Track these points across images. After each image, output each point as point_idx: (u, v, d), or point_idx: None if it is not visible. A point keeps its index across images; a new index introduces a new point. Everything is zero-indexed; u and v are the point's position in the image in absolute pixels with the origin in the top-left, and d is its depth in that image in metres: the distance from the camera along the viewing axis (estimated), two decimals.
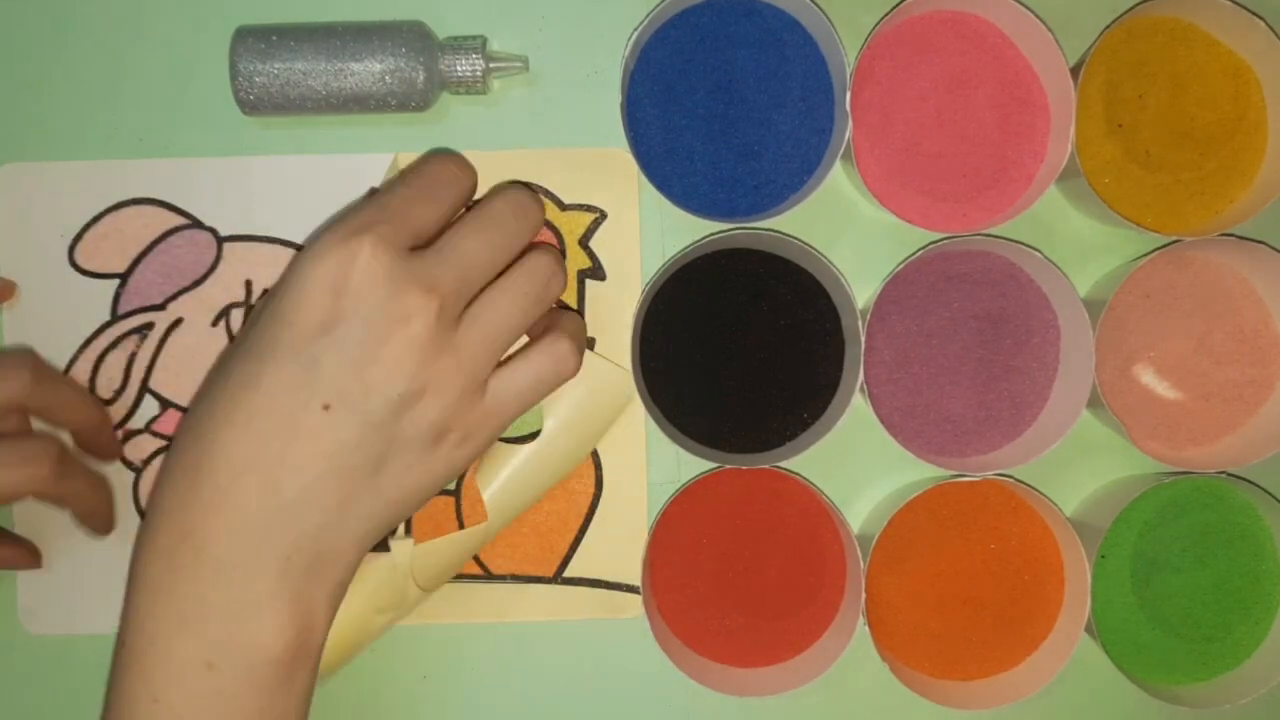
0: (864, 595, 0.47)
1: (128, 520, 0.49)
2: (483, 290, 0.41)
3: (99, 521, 0.48)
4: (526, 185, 0.43)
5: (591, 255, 0.49)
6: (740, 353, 0.48)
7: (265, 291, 0.49)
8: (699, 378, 0.48)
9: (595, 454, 0.49)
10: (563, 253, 0.49)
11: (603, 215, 0.49)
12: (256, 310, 0.43)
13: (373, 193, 0.48)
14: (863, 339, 0.47)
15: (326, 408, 0.38)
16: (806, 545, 0.49)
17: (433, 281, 0.39)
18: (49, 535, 0.49)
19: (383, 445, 0.39)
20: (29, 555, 0.49)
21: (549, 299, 0.42)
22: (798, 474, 0.48)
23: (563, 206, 0.49)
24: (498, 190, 0.43)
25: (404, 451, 0.39)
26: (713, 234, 0.47)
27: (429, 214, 0.41)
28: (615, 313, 0.49)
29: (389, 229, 0.39)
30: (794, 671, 0.49)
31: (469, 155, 0.49)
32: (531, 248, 0.43)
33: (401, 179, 0.42)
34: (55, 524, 0.49)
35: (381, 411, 0.38)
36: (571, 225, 0.49)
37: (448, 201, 0.42)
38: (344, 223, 0.39)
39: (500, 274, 0.42)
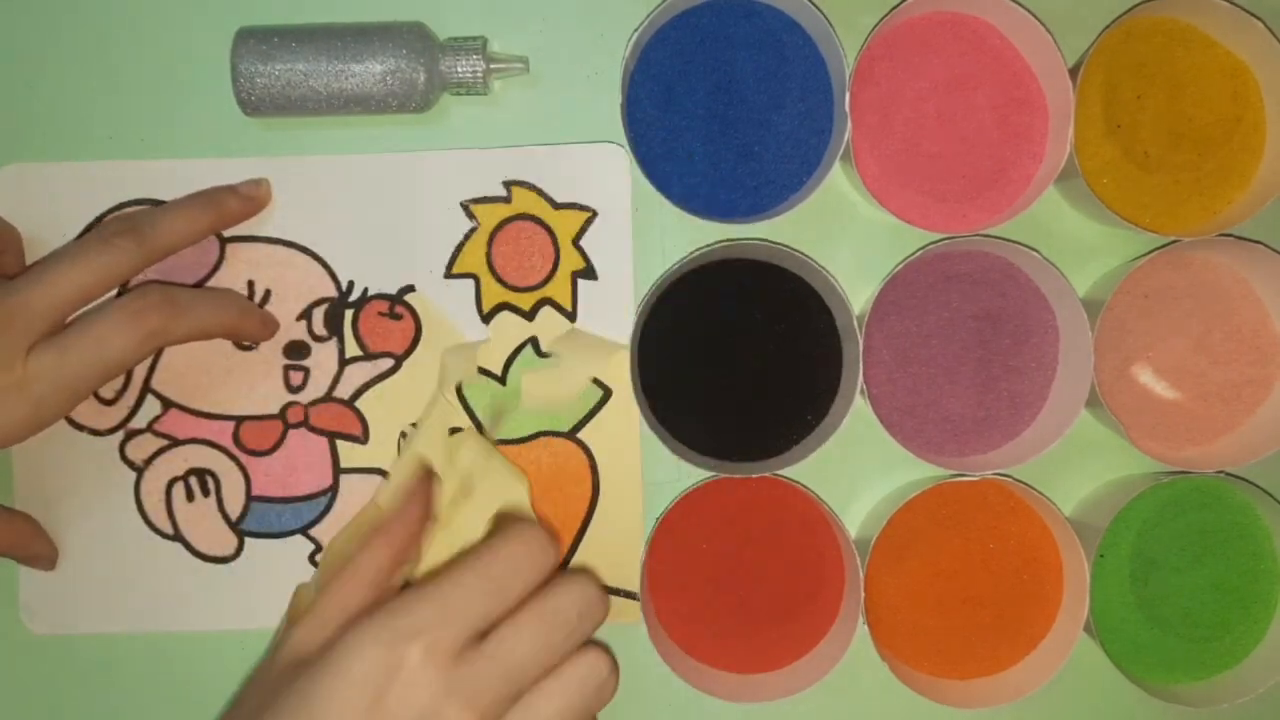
0: (863, 594, 0.47)
1: (129, 520, 0.49)
2: (527, 694, 0.37)
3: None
4: (592, 578, 0.40)
5: (584, 255, 0.49)
6: (739, 362, 0.49)
7: (267, 292, 0.49)
8: (699, 390, 0.48)
9: (591, 457, 0.49)
10: (556, 252, 0.49)
11: (595, 214, 0.49)
12: (284, 679, 0.39)
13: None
14: (861, 339, 0.47)
15: None
16: (805, 551, 0.49)
17: (478, 698, 0.36)
18: (49, 535, 0.49)
19: None
20: (49, 550, 0.49)
21: (596, 710, 0.39)
22: (796, 481, 0.48)
23: (555, 205, 0.49)
24: (564, 582, 0.39)
25: None
26: (701, 248, 0.47)
27: (493, 612, 0.37)
28: (608, 313, 0.49)
29: (444, 636, 0.36)
30: (793, 677, 0.49)
31: (466, 153, 0.49)
32: (588, 647, 0.39)
33: (472, 563, 0.38)
34: (55, 524, 0.49)
35: None
36: (564, 224, 0.49)
37: (518, 594, 0.38)
38: (396, 615, 0.36)
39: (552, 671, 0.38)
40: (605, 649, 0.39)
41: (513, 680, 0.37)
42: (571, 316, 0.49)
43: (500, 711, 0.37)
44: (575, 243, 0.49)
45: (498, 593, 0.38)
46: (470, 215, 0.49)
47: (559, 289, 0.49)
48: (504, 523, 0.41)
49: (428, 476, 0.46)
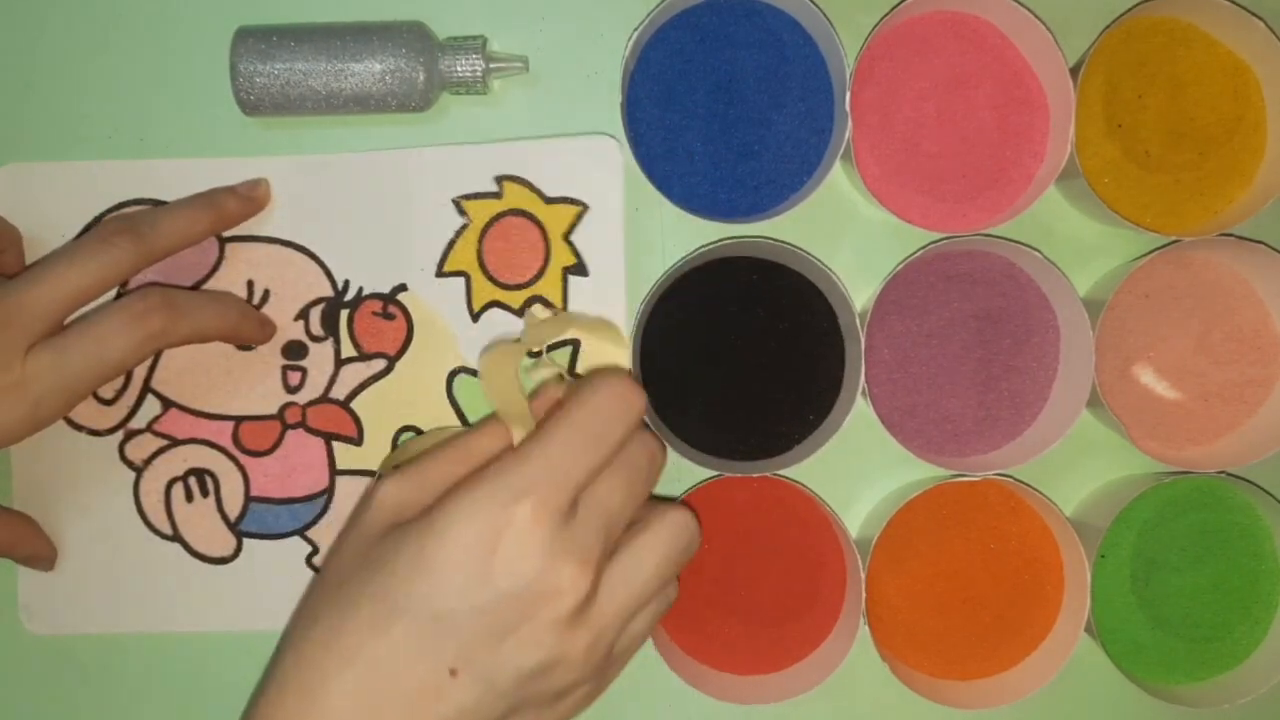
0: (864, 594, 0.47)
1: (128, 520, 0.49)
2: (624, 549, 0.39)
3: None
4: (650, 434, 0.41)
5: (574, 250, 0.49)
6: (740, 361, 0.48)
7: (266, 292, 0.49)
8: (700, 389, 0.48)
9: None
10: (547, 247, 0.49)
11: (586, 208, 0.49)
12: (389, 540, 0.39)
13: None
14: (862, 338, 0.47)
15: (454, 672, 0.36)
16: (805, 552, 0.49)
17: (587, 554, 0.37)
18: (48, 535, 0.49)
19: (503, 710, 0.37)
20: (48, 550, 0.49)
21: (684, 564, 0.41)
22: (797, 481, 0.48)
23: (546, 200, 0.49)
24: (633, 442, 0.40)
25: (523, 713, 0.38)
26: (703, 247, 0.47)
27: (594, 465, 0.38)
28: (600, 309, 0.49)
29: (551, 494, 0.37)
30: (793, 678, 0.49)
31: (457, 149, 0.49)
32: (671, 504, 0.41)
33: (570, 419, 0.38)
34: (54, 524, 0.49)
35: (510, 682, 0.37)
36: (555, 219, 0.49)
37: (614, 447, 0.39)
38: (503, 476, 0.37)
39: (640, 525, 0.40)
40: (689, 506, 0.41)
41: (609, 533, 0.38)
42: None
43: (602, 566, 0.38)
44: (566, 238, 0.49)
45: (597, 447, 0.38)
46: (461, 212, 0.49)
47: (549, 286, 0.49)
48: (589, 375, 0.41)
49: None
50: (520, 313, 0.49)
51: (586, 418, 0.38)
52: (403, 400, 0.49)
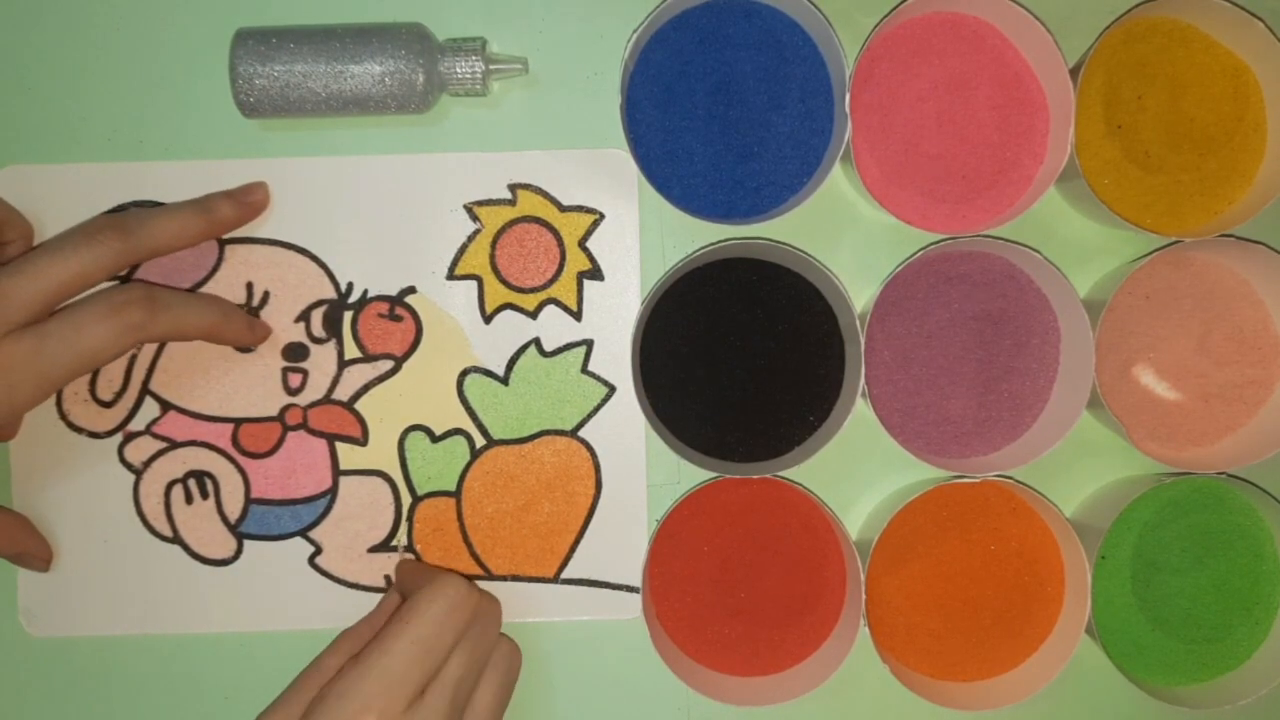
0: (864, 595, 0.47)
1: (128, 523, 0.49)
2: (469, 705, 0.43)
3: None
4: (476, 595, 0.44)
5: (590, 256, 0.49)
6: (741, 362, 0.49)
7: (266, 294, 0.49)
8: (701, 390, 0.48)
9: (594, 455, 0.50)
10: (562, 253, 0.49)
11: (601, 216, 0.49)
12: None
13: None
14: (862, 340, 0.47)
15: None
16: (806, 553, 0.49)
17: None
18: (48, 538, 0.49)
19: None
20: (42, 549, 0.49)
21: (515, 680, 0.46)
22: (798, 483, 0.48)
23: (561, 208, 0.49)
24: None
25: None
26: (705, 247, 0.47)
27: (430, 669, 0.41)
28: (614, 313, 0.49)
29: (389, 704, 0.40)
30: (793, 680, 0.49)
31: (469, 157, 0.49)
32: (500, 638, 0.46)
33: (404, 630, 0.41)
34: (54, 527, 0.49)
35: None
36: (570, 226, 0.49)
37: (449, 648, 0.42)
38: (344, 699, 0.40)
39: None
40: (506, 637, 0.46)
41: (455, 698, 0.42)
42: (577, 316, 0.49)
43: None
44: (581, 244, 0.49)
45: (430, 655, 0.41)
46: (473, 217, 0.49)
47: (564, 289, 0.49)
48: (425, 576, 0.45)
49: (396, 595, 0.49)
50: (534, 314, 0.49)
51: (419, 628, 0.42)
52: (411, 400, 0.49)
